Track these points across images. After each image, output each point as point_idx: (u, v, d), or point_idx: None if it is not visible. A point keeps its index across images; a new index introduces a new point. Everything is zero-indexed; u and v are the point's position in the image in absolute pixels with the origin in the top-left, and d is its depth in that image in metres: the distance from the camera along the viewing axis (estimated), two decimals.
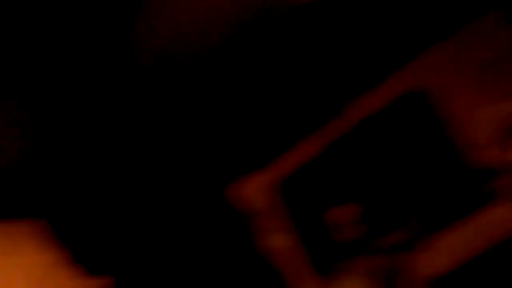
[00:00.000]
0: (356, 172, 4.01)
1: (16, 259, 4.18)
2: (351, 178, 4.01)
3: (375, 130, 4.01)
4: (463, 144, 3.64)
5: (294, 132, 4.40)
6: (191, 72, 3.49)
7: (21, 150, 3.71)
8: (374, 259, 2.50)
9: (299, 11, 3.27)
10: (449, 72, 3.91)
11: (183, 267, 1.00)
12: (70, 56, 3.03)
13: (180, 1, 2.97)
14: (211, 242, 1.05)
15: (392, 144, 3.90)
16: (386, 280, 2.13)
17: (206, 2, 3.07)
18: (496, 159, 3.19)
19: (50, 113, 3.49)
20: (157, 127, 3.89)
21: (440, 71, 3.94)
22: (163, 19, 3.00)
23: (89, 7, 2.69)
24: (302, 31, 3.41)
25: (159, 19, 2.98)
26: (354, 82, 4.04)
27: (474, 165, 3.42)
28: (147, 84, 3.47)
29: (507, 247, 2.49)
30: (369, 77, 4.03)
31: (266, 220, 4.60)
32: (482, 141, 3.40)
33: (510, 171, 3.07)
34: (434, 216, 1.95)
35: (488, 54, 3.84)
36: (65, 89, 3.28)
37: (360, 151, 4.04)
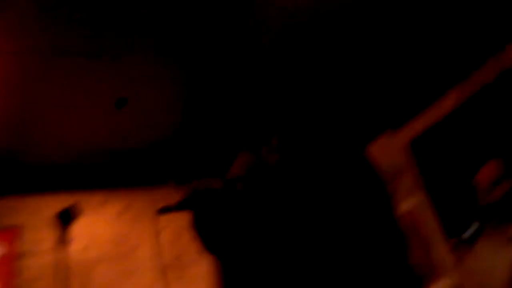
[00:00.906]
0: (496, 125, 3.58)
1: (147, 225, 4.39)
2: (490, 133, 3.59)
3: None
4: None
5: (434, 86, 4.07)
6: (312, 39, 3.36)
7: (172, 123, 3.91)
8: None
9: None
10: None
11: (316, 226, 0.92)
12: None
13: None
14: (349, 202, 0.96)
15: None
16: None
17: None
18: None
19: (199, 85, 3.62)
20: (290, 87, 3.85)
21: None
22: None
23: None
24: None
25: None
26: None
27: None
28: (273, 53, 3.41)
29: None
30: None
31: (400, 181, 4.35)
32: None
33: None
34: None
35: None
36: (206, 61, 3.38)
37: (499, 103, 3.59)
